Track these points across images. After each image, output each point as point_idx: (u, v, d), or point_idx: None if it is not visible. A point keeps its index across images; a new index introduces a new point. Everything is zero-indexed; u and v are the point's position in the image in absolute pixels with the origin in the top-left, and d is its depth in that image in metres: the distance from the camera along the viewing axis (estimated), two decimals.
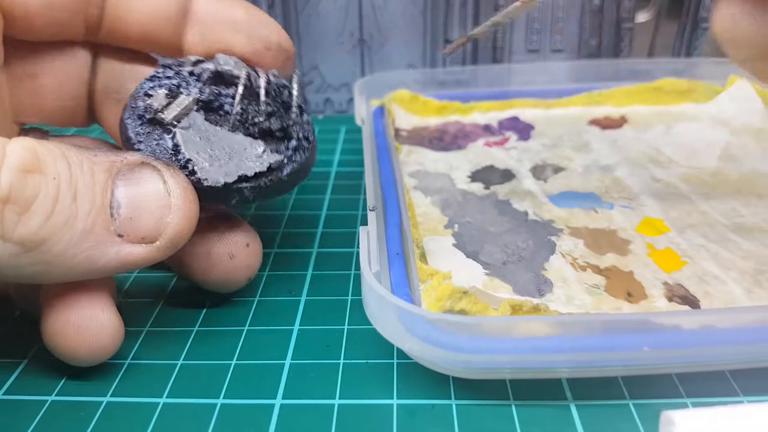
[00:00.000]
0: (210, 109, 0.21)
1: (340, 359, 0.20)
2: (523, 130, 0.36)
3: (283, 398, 0.18)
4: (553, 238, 0.25)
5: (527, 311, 0.20)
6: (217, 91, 0.21)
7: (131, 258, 0.18)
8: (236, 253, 0.21)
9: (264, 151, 0.21)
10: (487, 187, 0.29)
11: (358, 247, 0.26)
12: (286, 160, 0.21)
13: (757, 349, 0.17)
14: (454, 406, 0.18)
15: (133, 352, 0.20)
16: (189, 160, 0.19)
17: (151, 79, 0.21)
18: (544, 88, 0.39)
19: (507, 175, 0.31)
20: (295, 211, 0.30)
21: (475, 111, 0.38)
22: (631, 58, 0.43)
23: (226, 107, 0.21)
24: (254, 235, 0.22)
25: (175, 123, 0.20)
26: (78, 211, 0.17)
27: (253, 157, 0.21)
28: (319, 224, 0.28)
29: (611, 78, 0.39)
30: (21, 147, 0.16)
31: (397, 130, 0.36)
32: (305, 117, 0.23)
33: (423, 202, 0.28)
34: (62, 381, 0.19)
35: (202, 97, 0.21)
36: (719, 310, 0.20)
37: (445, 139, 0.35)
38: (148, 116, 0.20)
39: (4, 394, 0.19)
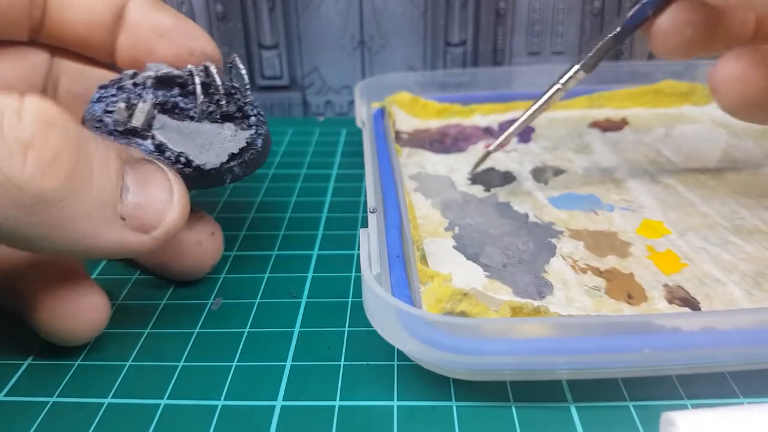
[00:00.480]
0: (166, 110, 0.22)
1: (340, 361, 0.20)
2: (524, 132, 0.36)
3: (283, 400, 0.19)
4: (554, 241, 0.25)
5: (527, 313, 0.20)
6: (166, 93, 0.22)
7: (128, 243, 0.18)
8: (203, 240, 0.23)
9: (235, 130, 0.23)
10: (487, 190, 0.29)
11: (358, 249, 0.26)
12: (255, 134, 0.23)
13: (757, 351, 0.17)
14: (454, 408, 0.18)
15: (134, 354, 0.21)
16: (180, 153, 0.21)
17: (99, 101, 0.21)
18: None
19: (507, 178, 0.31)
20: (296, 214, 0.30)
21: (475, 113, 0.38)
22: (631, 61, 0.43)
23: (181, 105, 0.22)
24: (216, 225, 0.24)
25: (148, 127, 0.21)
26: (94, 181, 0.17)
27: (229, 138, 0.22)
28: (319, 226, 0.28)
29: (612, 80, 0.39)
30: (41, 99, 0.17)
31: (397, 133, 0.36)
32: (249, 94, 0.24)
33: (423, 205, 0.28)
34: (63, 382, 0.19)
35: (158, 100, 0.21)
36: (719, 312, 0.20)
37: (445, 142, 0.35)
38: (119, 129, 0.21)
39: (5, 396, 0.19)
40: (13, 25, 0.22)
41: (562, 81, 0.26)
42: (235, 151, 0.22)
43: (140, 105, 0.21)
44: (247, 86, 0.24)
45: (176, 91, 0.22)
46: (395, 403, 0.18)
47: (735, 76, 0.21)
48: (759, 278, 0.22)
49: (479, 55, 0.44)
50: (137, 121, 0.21)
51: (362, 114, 0.36)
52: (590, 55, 0.25)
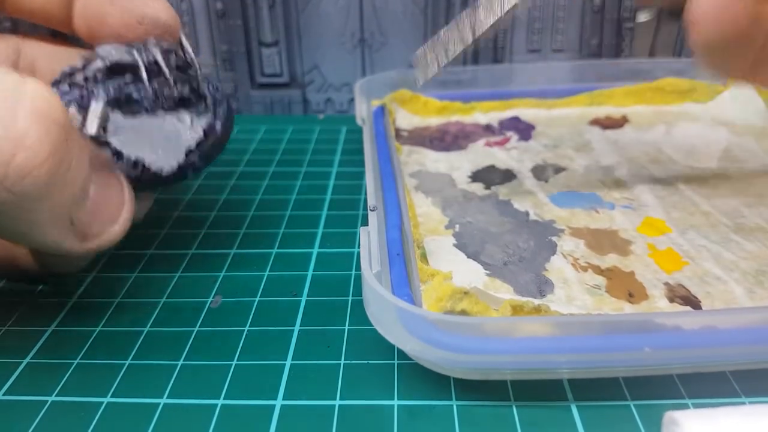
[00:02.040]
0: (120, 104, 0.21)
1: (340, 360, 0.20)
2: (524, 130, 0.36)
3: (283, 399, 0.18)
4: (554, 239, 0.25)
5: (528, 312, 0.20)
6: (117, 84, 0.21)
7: (67, 247, 0.18)
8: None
9: (191, 119, 0.22)
10: (487, 188, 0.29)
11: (358, 248, 0.26)
12: (213, 117, 0.22)
13: (758, 350, 0.17)
14: (455, 407, 0.18)
15: (133, 353, 0.20)
16: (136, 160, 0.20)
17: None
18: (545, 88, 0.39)
19: (508, 176, 0.31)
20: (296, 212, 0.30)
21: (476, 111, 0.38)
22: (632, 58, 0.43)
23: (134, 95, 0.21)
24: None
25: (102, 133, 0.20)
26: (67, 181, 0.17)
27: (186, 129, 0.21)
28: (319, 224, 0.28)
29: (612, 78, 0.39)
30: (40, 86, 0.16)
31: (397, 131, 0.36)
32: (202, 70, 0.23)
33: (424, 203, 0.28)
34: (62, 381, 0.19)
35: (110, 96, 0.21)
36: (720, 310, 0.20)
37: (445, 140, 0.35)
38: None
39: (4, 395, 0.19)
40: None
41: None
42: (192, 146, 0.21)
43: (93, 107, 0.20)
44: (199, 69, 0.23)
45: (128, 77, 0.21)
46: (395, 402, 0.18)
47: (718, 5, 0.19)
48: (760, 276, 0.22)
49: (480, 52, 0.44)
50: (91, 128, 0.20)
51: (362, 112, 0.35)
52: None
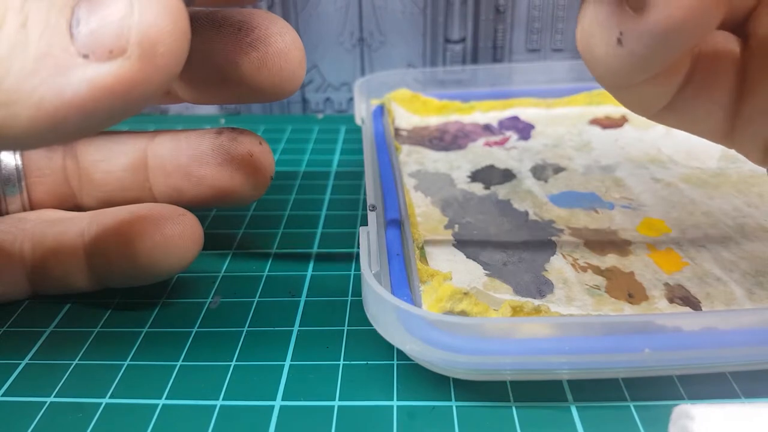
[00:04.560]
0: None
1: (339, 360, 0.20)
2: (524, 129, 0.36)
3: (282, 399, 0.18)
4: (554, 239, 0.25)
5: (528, 312, 0.20)
6: None
7: (102, 80, 0.14)
8: (253, 150, 0.23)
9: None
10: (487, 187, 0.29)
11: (358, 248, 0.26)
12: None
13: (758, 351, 0.17)
14: (454, 408, 0.18)
15: (131, 353, 0.20)
16: None
17: None
18: (544, 88, 0.39)
19: (507, 175, 0.30)
20: (295, 212, 0.30)
21: (475, 110, 0.38)
22: None
23: None
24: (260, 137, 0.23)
25: None
26: (28, 36, 0.14)
27: None
28: (318, 224, 0.28)
29: None
30: None
31: (397, 130, 0.36)
32: None
33: (423, 202, 0.28)
34: (61, 382, 0.19)
35: None
36: (721, 312, 0.20)
37: (445, 139, 0.35)
38: None
39: (2, 396, 0.19)
40: None
41: None
42: None
43: None
44: None
45: None
46: (395, 402, 0.18)
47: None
48: (760, 277, 0.22)
49: (479, 52, 0.44)
50: None
51: (361, 111, 0.35)
52: None
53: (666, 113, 0.18)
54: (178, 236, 0.21)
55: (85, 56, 0.14)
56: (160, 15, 0.14)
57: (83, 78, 0.14)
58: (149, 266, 0.21)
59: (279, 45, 0.20)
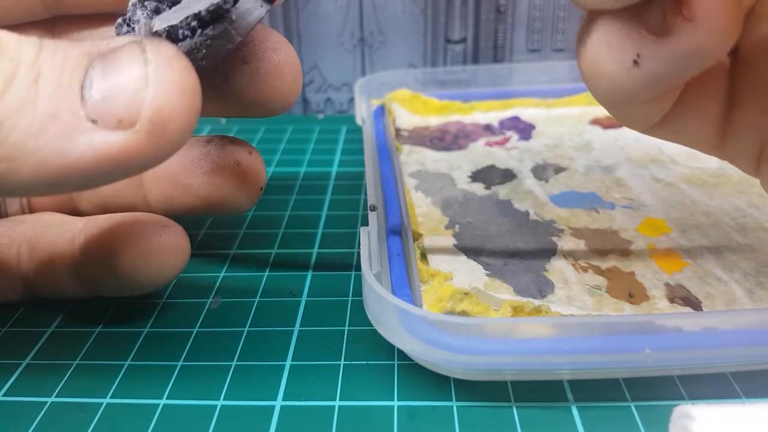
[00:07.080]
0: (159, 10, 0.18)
1: (340, 360, 0.20)
2: (524, 129, 0.36)
3: (283, 399, 0.18)
4: (555, 239, 0.25)
5: (528, 313, 0.20)
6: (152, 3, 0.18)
7: (108, 148, 0.14)
8: (242, 159, 0.22)
9: None
10: (488, 187, 0.29)
11: (358, 248, 0.26)
12: None
13: (759, 351, 0.17)
14: (455, 408, 0.18)
15: (132, 354, 0.20)
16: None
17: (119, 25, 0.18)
18: (545, 88, 0.39)
19: (508, 175, 0.31)
20: (296, 212, 0.30)
21: (476, 111, 0.38)
22: None
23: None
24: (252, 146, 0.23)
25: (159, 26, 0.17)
26: (39, 94, 0.14)
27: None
28: (319, 225, 0.28)
29: None
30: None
31: (397, 130, 0.36)
32: None
33: (424, 202, 0.28)
34: (62, 382, 0.19)
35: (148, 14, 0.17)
36: (721, 312, 0.20)
37: (445, 139, 0.35)
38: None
39: (3, 396, 0.19)
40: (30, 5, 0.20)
41: None
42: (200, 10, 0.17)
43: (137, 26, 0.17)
44: None
45: None
46: (395, 402, 0.18)
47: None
48: (760, 276, 0.22)
49: (479, 52, 0.44)
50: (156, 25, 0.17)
51: (362, 111, 0.35)
52: None
53: (658, 128, 0.18)
54: (159, 250, 0.20)
55: (94, 121, 0.14)
56: (174, 93, 0.14)
57: (89, 144, 0.14)
58: (130, 278, 0.20)
59: (272, 60, 0.19)
